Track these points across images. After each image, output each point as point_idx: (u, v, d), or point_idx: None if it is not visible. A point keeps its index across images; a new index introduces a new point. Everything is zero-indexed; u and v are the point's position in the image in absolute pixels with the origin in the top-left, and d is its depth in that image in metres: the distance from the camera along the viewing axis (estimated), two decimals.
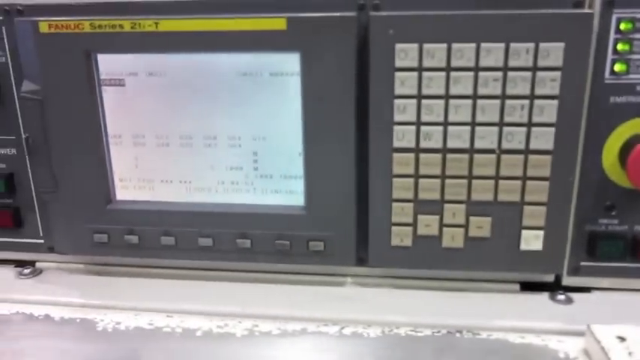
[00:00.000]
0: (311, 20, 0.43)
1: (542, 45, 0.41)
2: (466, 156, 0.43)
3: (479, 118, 0.43)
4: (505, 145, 0.43)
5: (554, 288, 0.47)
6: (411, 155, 0.44)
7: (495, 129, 0.43)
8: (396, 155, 0.44)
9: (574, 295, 0.46)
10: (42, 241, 0.53)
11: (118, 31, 0.45)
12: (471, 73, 0.42)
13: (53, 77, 0.46)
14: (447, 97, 0.43)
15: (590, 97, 0.43)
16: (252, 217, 0.47)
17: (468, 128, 0.43)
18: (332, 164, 0.45)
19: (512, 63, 0.42)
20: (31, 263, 0.54)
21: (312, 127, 0.45)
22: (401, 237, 0.46)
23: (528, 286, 0.48)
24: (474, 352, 0.39)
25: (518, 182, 0.43)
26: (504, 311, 0.44)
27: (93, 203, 0.49)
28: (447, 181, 0.44)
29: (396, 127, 0.44)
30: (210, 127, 0.47)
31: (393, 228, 0.46)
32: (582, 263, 0.46)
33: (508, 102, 0.42)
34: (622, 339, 0.37)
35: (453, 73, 0.42)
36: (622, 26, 0.42)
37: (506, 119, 0.43)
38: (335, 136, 0.45)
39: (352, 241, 0.47)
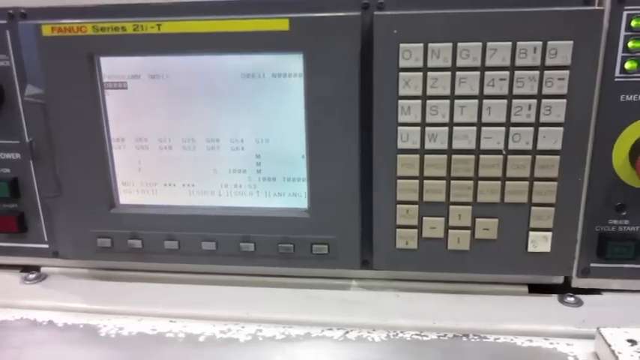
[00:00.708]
0: (314, 20, 0.42)
1: (549, 43, 0.40)
2: (472, 157, 0.43)
3: (485, 119, 0.42)
4: (512, 146, 0.42)
5: (563, 290, 0.46)
6: (416, 157, 0.43)
7: (502, 129, 0.42)
8: (400, 157, 0.43)
9: (584, 298, 0.45)
10: (47, 246, 0.53)
11: (120, 34, 0.45)
12: (477, 73, 0.41)
13: (56, 80, 0.46)
14: (452, 97, 0.42)
15: (600, 95, 0.42)
16: (255, 221, 0.47)
17: (473, 129, 0.42)
18: (335, 166, 0.45)
19: (519, 62, 0.41)
20: (37, 268, 0.54)
21: (316, 128, 0.44)
22: (406, 239, 0.45)
23: (537, 289, 0.47)
24: (480, 356, 0.39)
25: (526, 183, 0.43)
26: (512, 314, 0.43)
27: (96, 208, 0.49)
28: (453, 182, 0.43)
29: (401, 128, 0.43)
30: (213, 130, 0.47)
31: (398, 230, 0.45)
32: (592, 265, 0.45)
33: (515, 101, 0.41)
34: (633, 342, 0.36)
35: (458, 73, 0.41)
36: (633, 23, 0.41)
37: (513, 119, 0.42)
38: (339, 138, 0.44)
39: (356, 244, 0.46)
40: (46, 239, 0.52)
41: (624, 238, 0.44)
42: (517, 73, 0.41)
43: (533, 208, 0.43)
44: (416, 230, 0.45)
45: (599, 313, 0.43)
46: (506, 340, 0.40)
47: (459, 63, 0.41)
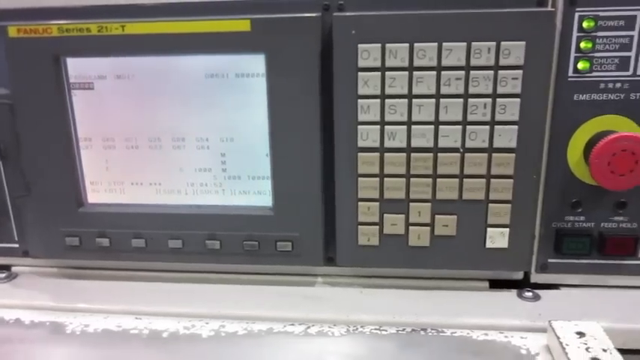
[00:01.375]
0: (275, 21, 0.43)
1: (503, 44, 0.41)
2: (430, 155, 0.44)
3: (442, 117, 0.43)
4: (469, 144, 0.43)
5: (524, 285, 0.47)
6: (376, 155, 0.44)
7: (459, 128, 0.43)
8: (361, 155, 0.44)
9: (542, 292, 0.46)
10: (17, 245, 0.53)
11: (85, 35, 0.45)
12: (434, 73, 0.42)
13: (23, 81, 0.47)
14: (410, 96, 0.43)
15: (555, 95, 0.43)
16: (221, 219, 0.48)
17: (431, 127, 0.43)
18: (298, 165, 0.45)
19: (474, 62, 0.42)
20: (7, 267, 0.54)
21: (278, 128, 0.45)
22: (368, 236, 0.46)
23: (498, 284, 0.48)
24: (435, 350, 0.40)
25: (483, 180, 0.44)
26: (471, 309, 0.44)
27: (65, 207, 0.49)
28: (412, 180, 0.44)
29: (361, 127, 0.44)
30: (179, 129, 0.47)
31: (360, 227, 0.46)
32: (550, 260, 0.46)
33: (471, 100, 0.42)
34: (581, 334, 0.37)
35: (415, 73, 0.42)
36: (585, 24, 0.42)
37: (470, 118, 0.43)
38: (301, 137, 0.45)
39: (320, 241, 0.47)
40: (16, 239, 0.53)
41: (579, 234, 0.45)
42: (472, 72, 0.42)
43: (490, 204, 0.44)
44: (377, 227, 0.46)
45: (555, 308, 0.44)
46: (462, 333, 0.41)
47: (416, 63, 0.42)
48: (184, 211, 0.48)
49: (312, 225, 0.46)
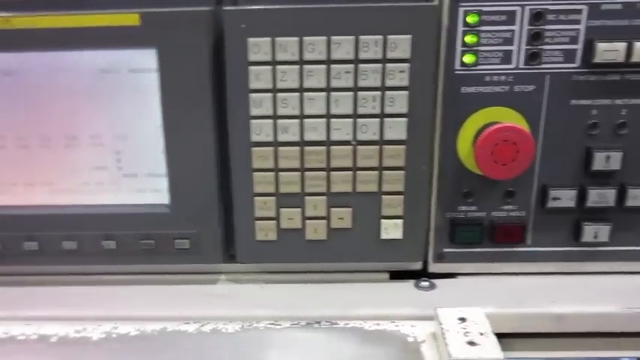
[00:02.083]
0: (165, 15, 0.43)
1: (390, 37, 0.42)
2: (323, 148, 0.44)
3: (333, 110, 0.43)
4: (360, 137, 0.44)
5: (423, 275, 0.48)
6: (270, 149, 0.44)
7: (350, 121, 0.43)
8: (255, 149, 0.44)
9: (438, 282, 0.47)
10: None
11: None
12: (324, 66, 0.43)
13: None
14: (301, 90, 0.43)
15: (443, 87, 0.44)
16: (117, 218, 0.46)
17: (323, 121, 0.43)
18: (193, 161, 0.45)
19: (362, 55, 0.42)
20: None
21: (172, 124, 0.44)
22: (265, 231, 0.46)
23: (399, 275, 0.49)
24: (322, 340, 0.40)
25: (375, 173, 0.44)
26: (367, 300, 0.45)
27: None
28: (307, 173, 0.44)
29: (254, 122, 0.44)
30: (70, 127, 0.46)
31: (257, 222, 0.45)
32: (445, 250, 0.47)
33: (360, 94, 0.43)
34: (463, 319, 0.38)
35: (305, 67, 0.43)
36: (469, 19, 0.43)
37: (360, 111, 0.43)
38: (195, 133, 0.44)
39: (218, 237, 0.46)
40: None
41: (471, 224, 0.46)
42: (361, 66, 0.42)
43: (383, 196, 0.45)
44: (274, 222, 0.45)
45: (448, 296, 0.45)
46: (355, 324, 0.42)
47: (306, 57, 0.42)
48: (78, 211, 0.47)
49: (209, 222, 0.46)
